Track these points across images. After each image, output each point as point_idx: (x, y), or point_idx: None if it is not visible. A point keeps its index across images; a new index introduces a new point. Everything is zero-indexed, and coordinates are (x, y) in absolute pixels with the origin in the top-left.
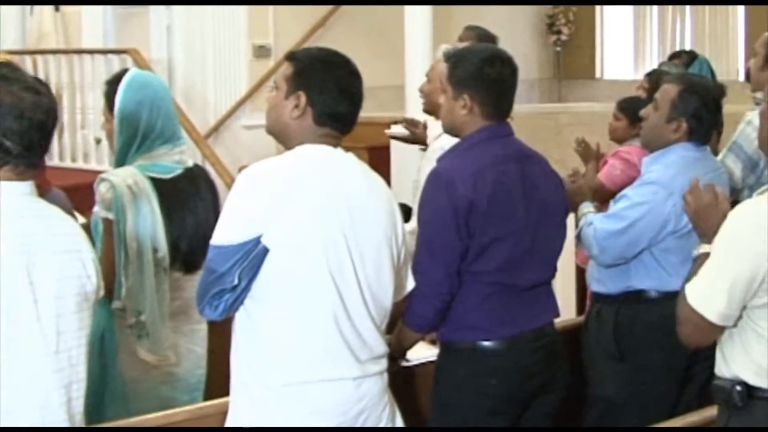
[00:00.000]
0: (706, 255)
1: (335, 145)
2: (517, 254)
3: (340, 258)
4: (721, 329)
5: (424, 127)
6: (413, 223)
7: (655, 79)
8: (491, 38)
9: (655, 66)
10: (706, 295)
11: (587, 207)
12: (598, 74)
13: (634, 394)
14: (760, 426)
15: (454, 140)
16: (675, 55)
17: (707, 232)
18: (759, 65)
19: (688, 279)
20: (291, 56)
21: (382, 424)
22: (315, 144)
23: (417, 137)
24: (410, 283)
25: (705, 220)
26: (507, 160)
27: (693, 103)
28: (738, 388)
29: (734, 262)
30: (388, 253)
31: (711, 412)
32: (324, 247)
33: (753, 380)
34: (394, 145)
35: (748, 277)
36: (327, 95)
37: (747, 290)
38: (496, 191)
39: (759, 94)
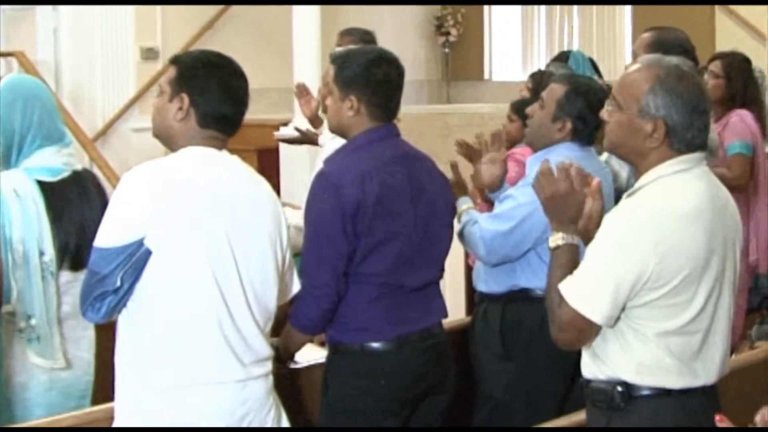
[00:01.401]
0: (568, 247)
1: (220, 148)
2: (404, 255)
3: (223, 261)
4: (598, 331)
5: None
6: (299, 218)
7: (538, 79)
8: (373, 39)
9: (542, 67)
10: (592, 298)
11: (466, 203)
12: (486, 75)
13: (521, 393)
14: (642, 425)
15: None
16: (558, 57)
17: (562, 220)
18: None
19: (550, 273)
20: (174, 60)
21: (266, 426)
22: (200, 146)
23: (306, 138)
24: (295, 286)
25: (560, 208)
26: (394, 162)
27: (579, 103)
28: (619, 389)
29: (620, 263)
30: (272, 257)
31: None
32: (207, 250)
33: (633, 379)
34: (283, 147)
35: (634, 278)
36: (210, 96)
37: (631, 291)
38: (383, 192)
39: None
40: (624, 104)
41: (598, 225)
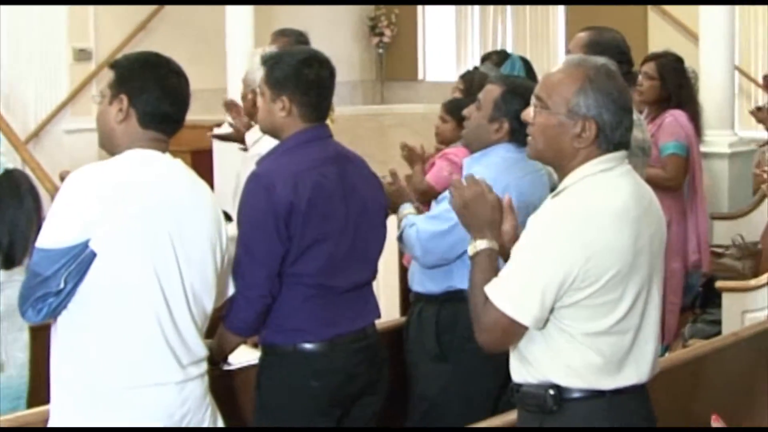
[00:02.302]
0: (487, 252)
1: (163, 150)
2: (337, 256)
3: (166, 263)
4: (523, 334)
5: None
6: (234, 228)
7: (469, 79)
8: (307, 40)
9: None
10: (520, 299)
11: (407, 208)
12: (420, 76)
13: (456, 394)
14: (574, 427)
15: (274, 144)
16: (487, 57)
17: (478, 227)
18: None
19: (471, 279)
20: (112, 64)
21: (204, 426)
22: (142, 149)
23: (240, 135)
24: (231, 288)
25: (474, 214)
26: (326, 162)
27: (515, 104)
28: (550, 392)
29: (547, 264)
30: (211, 259)
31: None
32: (151, 252)
33: (564, 381)
34: (217, 149)
35: (561, 279)
36: (149, 95)
37: (558, 291)
38: (315, 193)
39: None
40: (552, 105)
41: (513, 241)
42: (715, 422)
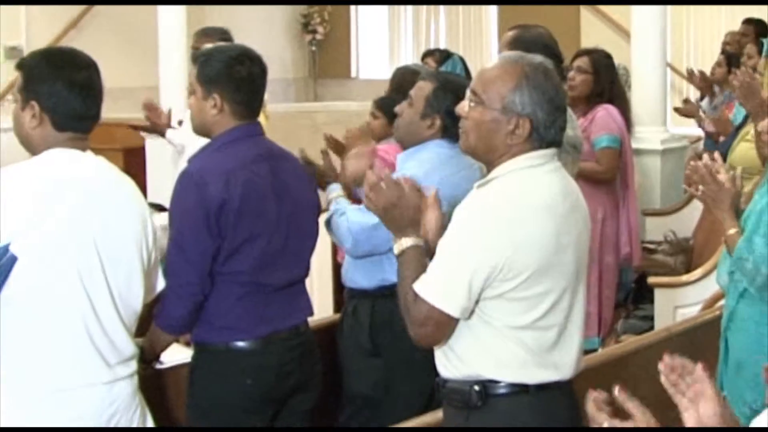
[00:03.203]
0: (413, 249)
1: (84, 148)
2: (269, 254)
3: (90, 263)
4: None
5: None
6: (165, 218)
7: (398, 78)
8: (230, 38)
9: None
10: (446, 290)
11: (336, 191)
12: (353, 73)
13: (390, 390)
14: (499, 423)
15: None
16: (428, 53)
17: (401, 226)
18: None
19: (400, 277)
20: (19, 65)
21: (133, 426)
22: (63, 149)
23: (155, 126)
24: (160, 284)
25: (396, 215)
26: (258, 160)
27: (447, 100)
28: (476, 388)
29: (473, 253)
30: (138, 257)
31: None
32: (74, 254)
33: (491, 374)
34: (150, 146)
35: (488, 268)
36: (58, 99)
37: (485, 281)
38: (247, 191)
39: None
40: (487, 100)
41: (438, 235)
42: (620, 393)
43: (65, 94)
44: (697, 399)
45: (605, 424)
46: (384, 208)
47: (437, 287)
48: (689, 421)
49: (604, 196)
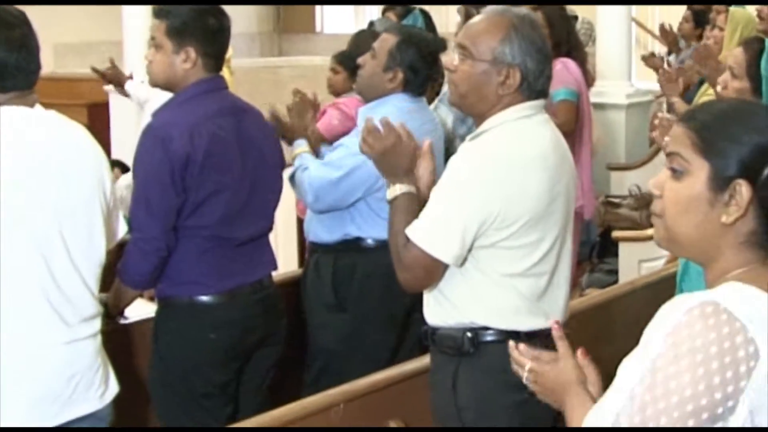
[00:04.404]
0: (406, 196)
1: (32, 104)
2: (233, 208)
3: (46, 224)
4: (444, 272)
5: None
6: (130, 177)
7: (357, 40)
8: None
9: (374, 18)
10: (438, 237)
11: (300, 146)
12: (318, 28)
13: (354, 344)
14: (490, 370)
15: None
16: (390, 7)
17: (396, 173)
18: (459, 24)
19: (391, 222)
20: None
21: (94, 388)
22: (9, 107)
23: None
24: (122, 229)
25: (392, 162)
26: (222, 114)
27: (410, 54)
28: (468, 334)
29: (467, 203)
30: (98, 209)
31: (427, 359)
32: (30, 217)
33: (484, 321)
34: (114, 101)
35: (481, 218)
36: None
37: (478, 230)
38: (212, 145)
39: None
40: (476, 53)
41: (430, 185)
42: (555, 330)
43: (3, 56)
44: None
45: (527, 367)
46: (380, 153)
47: (429, 233)
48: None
49: None
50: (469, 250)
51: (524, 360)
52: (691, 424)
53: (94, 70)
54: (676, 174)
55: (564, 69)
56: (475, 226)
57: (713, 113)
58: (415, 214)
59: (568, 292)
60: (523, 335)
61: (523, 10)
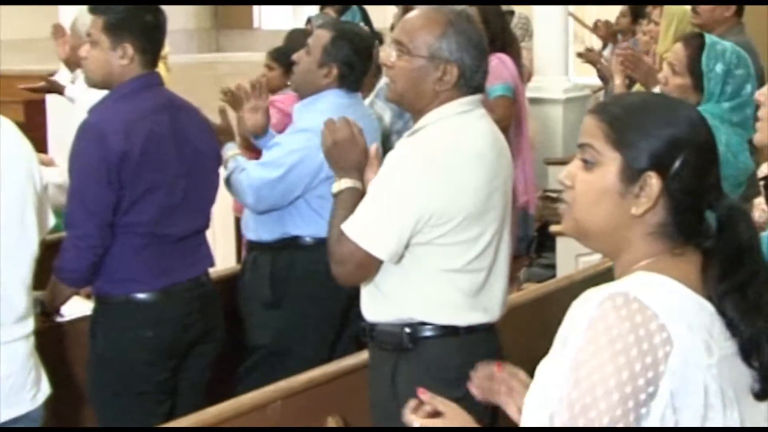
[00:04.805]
0: (352, 190)
1: None
2: (169, 205)
3: None
4: (379, 268)
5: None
6: (56, 175)
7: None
8: None
9: (312, 15)
10: (373, 233)
11: (232, 149)
12: (256, 24)
13: (292, 341)
14: (429, 365)
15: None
16: (328, 3)
17: (345, 167)
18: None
19: (333, 215)
20: None
21: (26, 389)
22: None
23: (54, 88)
24: (51, 220)
25: (343, 154)
26: (159, 110)
27: (345, 49)
28: (407, 330)
29: (404, 200)
30: (30, 202)
31: (365, 355)
32: None
33: (422, 316)
34: (51, 99)
35: (419, 215)
36: None
37: (415, 227)
38: (148, 142)
39: None
40: (413, 49)
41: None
42: (424, 394)
43: None
44: (511, 393)
45: (416, 424)
46: (333, 145)
47: (364, 229)
48: (513, 411)
49: None
50: (407, 247)
51: (412, 418)
52: (618, 413)
53: (28, 89)
54: (588, 165)
55: (500, 64)
56: (412, 223)
57: (625, 106)
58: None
59: (506, 287)
60: (462, 330)
61: (459, 6)
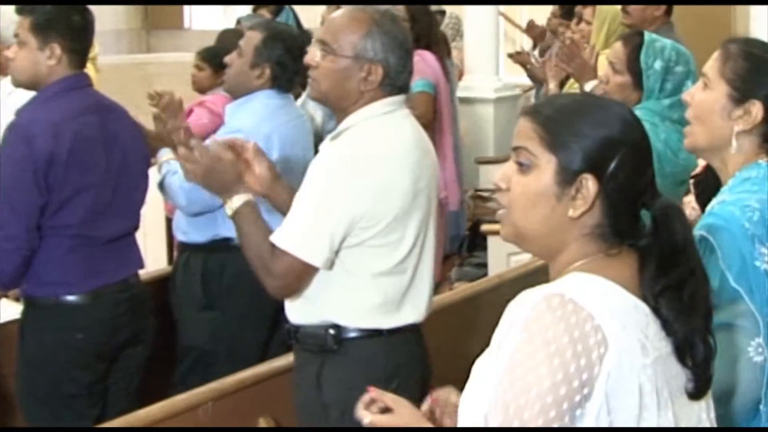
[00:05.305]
0: (247, 204)
1: None
2: (98, 206)
3: None
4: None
5: None
6: None
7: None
8: None
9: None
10: (308, 241)
11: (167, 154)
12: (186, 24)
13: (224, 342)
14: (354, 366)
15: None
16: (261, 6)
17: (227, 187)
18: (326, 15)
19: (244, 234)
20: None
21: None
22: None
23: None
24: None
25: (219, 176)
26: (87, 112)
27: (277, 49)
28: (331, 331)
29: (335, 205)
30: None
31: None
32: None
33: (345, 320)
34: None
35: (349, 219)
36: None
37: (346, 231)
38: (76, 143)
39: None
40: (338, 49)
41: (275, 183)
42: (373, 390)
43: None
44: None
45: (366, 421)
46: (203, 176)
47: (298, 239)
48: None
49: None
50: (336, 252)
51: (364, 414)
52: (552, 415)
53: None
54: (523, 168)
55: (421, 61)
56: (343, 228)
57: (559, 107)
58: (262, 220)
59: (432, 287)
60: (387, 331)
61: (384, 6)
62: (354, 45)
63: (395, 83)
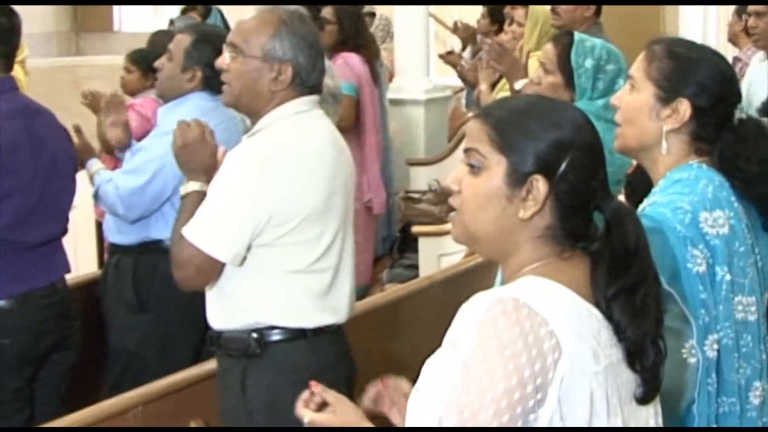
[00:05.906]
0: (199, 193)
1: None
2: (24, 211)
3: None
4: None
5: None
6: None
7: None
8: None
9: (173, 17)
10: (214, 235)
11: (96, 164)
12: (116, 26)
13: (156, 345)
14: (277, 369)
15: None
16: (191, 7)
17: (194, 168)
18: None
19: (178, 218)
20: None
21: None
22: None
23: None
24: None
25: (193, 156)
26: (14, 116)
27: (206, 51)
28: (254, 335)
29: (244, 201)
30: None
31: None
32: None
33: (272, 320)
34: None
35: (258, 216)
36: None
37: (255, 228)
38: (2, 148)
39: None
40: (247, 50)
41: None
42: (316, 386)
43: None
44: (394, 405)
45: (306, 420)
46: (182, 146)
47: (204, 231)
48: (397, 420)
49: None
50: (249, 249)
51: (304, 412)
52: (506, 419)
53: None
54: (474, 169)
55: (344, 64)
56: (252, 224)
57: (509, 109)
58: None
59: (354, 287)
60: (310, 332)
61: (293, 6)
62: (262, 45)
63: (306, 83)
